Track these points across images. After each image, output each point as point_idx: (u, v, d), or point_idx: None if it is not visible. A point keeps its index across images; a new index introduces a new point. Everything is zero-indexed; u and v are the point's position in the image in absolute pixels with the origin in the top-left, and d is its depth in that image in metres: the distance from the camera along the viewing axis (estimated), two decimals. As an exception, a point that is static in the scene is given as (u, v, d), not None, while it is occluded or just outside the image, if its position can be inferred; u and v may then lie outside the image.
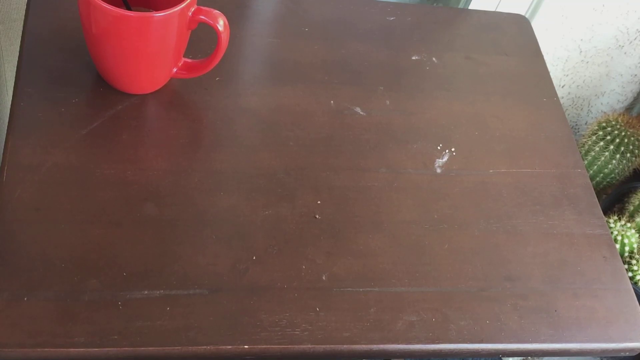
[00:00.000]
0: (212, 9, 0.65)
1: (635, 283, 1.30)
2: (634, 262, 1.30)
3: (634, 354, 0.66)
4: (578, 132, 1.60)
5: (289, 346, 0.58)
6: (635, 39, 1.39)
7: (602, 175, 1.41)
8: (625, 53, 1.42)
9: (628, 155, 1.38)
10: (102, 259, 0.59)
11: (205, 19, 0.65)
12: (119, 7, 0.62)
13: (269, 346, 0.57)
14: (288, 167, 0.68)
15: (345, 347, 0.59)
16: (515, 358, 1.27)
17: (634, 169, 1.41)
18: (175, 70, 0.69)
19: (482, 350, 0.62)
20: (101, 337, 0.55)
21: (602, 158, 1.39)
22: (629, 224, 1.33)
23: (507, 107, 0.80)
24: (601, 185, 1.43)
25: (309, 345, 0.58)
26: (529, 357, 1.18)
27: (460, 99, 0.79)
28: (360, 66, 0.79)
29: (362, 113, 0.75)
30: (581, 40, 1.36)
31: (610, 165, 1.39)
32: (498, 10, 1.20)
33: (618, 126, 1.38)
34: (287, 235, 0.64)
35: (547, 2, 1.25)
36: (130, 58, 0.65)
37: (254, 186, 0.66)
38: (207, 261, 0.61)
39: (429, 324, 0.61)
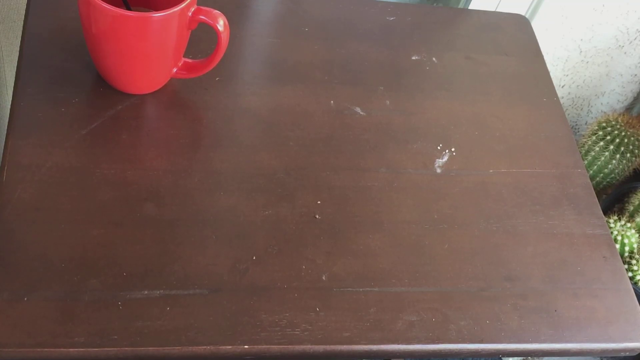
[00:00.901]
0: (212, 9, 0.65)
1: (635, 283, 1.30)
2: (634, 262, 1.30)
3: (634, 354, 0.66)
4: (578, 132, 1.60)
5: (289, 346, 0.58)
6: (635, 39, 1.39)
7: (602, 175, 1.41)
8: (625, 53, 1.42)
9: (628, 155, 1.38)
10: (102, 259, 0.59)
11: (205, 19, 0.65)
12: (119, 7, 0.62)
13: (269, 346, 0.57)
14: (288, 167, 0.68)
15: (345, 347, 0.59)
16: (515, 358, 1.27)
17: (634, 169, 1.41)
18: (175, 70, 0.69)
19: (482, 350, 0.62)
20: (101, 337, 0.55)
21: (602, 158, 1.39)
22: (629, 224, 1.33)
23: (507, 107, 0.80)
24: (601, 185, 1.43)
25: (309, 345, 0.58)
26: (529, 357, 1.18)
27: (460, 99, 0.79)
28: (360, 66, 0.79)
29: (362, 113, 0.75)
30: (581, 40, 1.36)
31: (610, 165, 1.39)
32: (498, 10, 1.20)
33: (618, 126, 1.38)
34: (287, 235, 0.64)
35: (547, 2, 1.25)
36: (130, 58, 0.65)
37: (254, 186, 0.66)
38: (207, 261, 0.61)
39: (429, 324, 0.61)
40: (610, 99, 1.52)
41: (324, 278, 0.62)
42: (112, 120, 0.67)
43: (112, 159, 0.65)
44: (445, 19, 0.87)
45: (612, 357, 1.33)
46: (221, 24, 0.65)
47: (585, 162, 1.40)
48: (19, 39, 0.78)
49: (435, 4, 1.26)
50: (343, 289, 0.62)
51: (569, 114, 1.55)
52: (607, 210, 1.43)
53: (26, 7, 0.73)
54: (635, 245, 1.32)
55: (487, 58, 0.84)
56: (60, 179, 0.62)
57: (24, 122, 0.65)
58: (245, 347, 0.57)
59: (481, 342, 0.61)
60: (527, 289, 0.65)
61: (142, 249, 0.60)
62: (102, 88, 0.69)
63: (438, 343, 0.61)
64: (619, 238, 1.31)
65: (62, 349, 0.54)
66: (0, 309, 0.55)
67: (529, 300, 0.65)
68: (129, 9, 0.67)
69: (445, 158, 0.73)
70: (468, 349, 0.61)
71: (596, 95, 1.52)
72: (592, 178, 1.41)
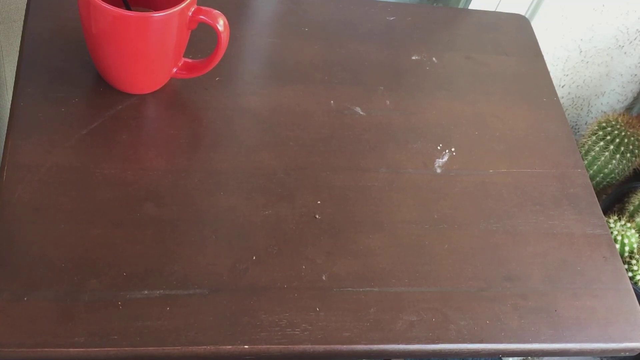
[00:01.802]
0: (212, 9, 0.65)
1: (635, 283, 1.30)
2: (634, 262, 1.30)
3: (634, 354, 0.66)
4: (578, 132, 1.60)
5: (289, 346, 0.58)
6: (635, 39, 1.39)
7: (602, 175, 1.41)
8: (625, 53, 1.42)
9: (628, 155, 1.38)
10: (102, 259, 0.59)
11: (205, 19, 0.65)
12: (119, 7, 0.62)
13: (269, 346, 0.57)
14: (288, 167, 0.68)
15: (345, 347, 0.59)
16: (515, 358, 1.27)
17: (634, 169, 1.41)
18: (175, 70, 0.69)
19: (482, 350, 0.62)
20: (101, 337, 0.55)
21: (602, 158, 1.39)
22: (629, 224, 1.33)
23: (507, 107, 0.80)
24: (601, 185, 1.43)
25: (309, 345, 0.58)
26: (529, 357, 1.18)
27: (460, 99, 0.79)
28: (360, 66, 0.79)
29: (362, 113, 0.75)
30: (581, 40, 1.36)
31: (610, 165, 1.39)
32: (498, 10, 1.20)
33: (618, 126, 1.38)
34: (287, 235, 0.64)
35: (547, 2, 1.25)
36: (130, 58, 0.65)
37: (254, 186, 0.66)
38: (207, 261, 0.61)
39: (429, 324, 0.61)
40: (610, 99, 1.52)
41: (324, 278, 0.62)
42: (112, 120, 0.67)
43: (112, 159, 0.65)
44: (445, 19, 0.87)
45: (612, 357, 1.33)
46: (221, 24, 0.65)
47: (585, 162, 1.40)
48: (19, 39, 0.78)
49: (435, 4, 1.25)
50: (343, 289, 0.62)
51: (569, 114, 1.55)
52: (607, 210, 1.43)
53: (26, 7, 0.73)
54: (635, 245, 1.32)
55: (487, 58, 0.84)
56: (60, 179, 0.62)
57: (24, 122, 0.65)
58: (245, 347, 0.57)
59: (481, 342, 0.61)
60: (527, 289, 0.65)
61: (142, 249, 0.60)
62: (102, 88, 0.69)
63: (438, 343, 0.61)
64: (619, 238, 1.31)
65: (62, 349, 0.54)
66: (0, 309, 0.55)
67: (529, 300, 0.65)
68: (129, 9, 0.67)
69: (445, 158, 0.73)
70: (468, 349, 0.61)
71: (596, 95, 1.52)
72: (592, 178, 1.41)
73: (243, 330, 0.58)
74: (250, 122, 0.71)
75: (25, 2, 0.74)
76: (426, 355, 0.61)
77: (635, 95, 1.52)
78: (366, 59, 0.80)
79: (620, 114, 1.42)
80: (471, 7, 1.19)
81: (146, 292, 0.58)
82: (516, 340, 0.62)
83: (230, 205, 0.65)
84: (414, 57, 0.82)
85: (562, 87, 1.47)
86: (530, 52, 0.86)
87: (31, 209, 0.60)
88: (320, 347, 0.58)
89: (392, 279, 0.63)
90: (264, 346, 0.57)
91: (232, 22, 0.72)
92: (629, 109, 1.56)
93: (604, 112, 1.54)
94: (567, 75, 1.44)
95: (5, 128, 0.65)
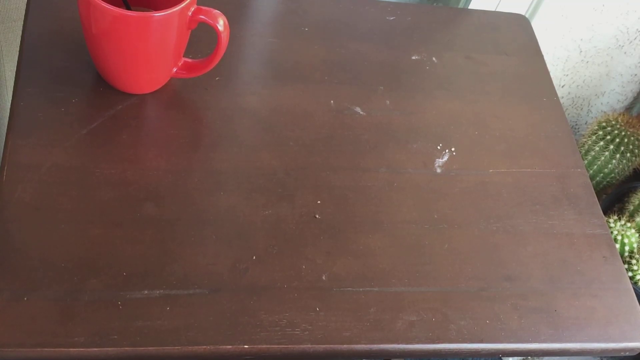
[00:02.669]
0: (212, 9, 0.65)
1: (635, 283, 1.30)
2: (634, 262, 1.30)
3: (634, 354, 0.66)
4: (578, 132, 1.60)
5: (289, 346, 0.58)
6: (635, 39, 1.39)
7: (602, 175, 1.41)
8: (625, 53, 1.42)
9: (628, 155, 1.38)
10: (102, 259, 0.59)
11: (205, 18, 0.65)
12: (119, 7, 0.62)
13: (269, 346, 0.57)
14: (288, 167, 0.68)
15: (345, 347, 0.59)
16: (515, 358, 1.27)
17: (634, 168, 1.41)
18: (175, 70, 0.69)
19: (482, 350, 0.62)
20: (101, 337, 0.55)
21: (602, 158, 1.39)
22: (629, 224, 1.33)
23: (507, 107, 0.80)
24: (601, 185, 1.43)
25: (309, 345, 0.58)
26: (529, 357, 1.18)
27: (460, 99, 0.79)
28: (360, 66, 0.79)
29: (362, 113, 0.75)
30: (581, 40, 1.36)
31: (610, 165, 1.39)
32: (498, 10, 1.20)
33: (618, 126, 1.38)
34: (287, 235, 0.64)
35: (547, 2, 1.25)
36: (130, 58, 0.65)
37: (254, 186, 0.66)
38: (207, 261, 0.61)
39: (429, 324, 0.61)
40: (610, 99, 1.52)
41: (324, 278, 0.62)
42: (112, 120, 0.67)
43: (112, 159, 0.65)
44: (445, 19, 0.87)
45: (612, 357, 1.33)
46: (221, 23, 0.65)
47: (585, 162, 1.40)
48: (19, 39, 0.78)
49: (435, 4, 1.26)
50: (343, 289, 0.62)
51: (569, 114, 1.55)
52: (607, 210, 1.43)
53: (26, 7, 0.73)
54: (635, 245, 1.32)
55: (487, 58, 0.84)
56: (60, 179, 0.62)
57: (24, 122, 0.65)
58: (245, 347, 0.57)
59: (481, 342, 0.61)
60: (527, 289, 0.65)
61: (142, 249, 0.60)
62: (102, 88, 0.69)
63: (438, 343, 0.61)
64: (619, 238, 1.31)
65: (62, 349, 0.54)
66: (0, 309, 0.55)
67: (529, 300, 0.65)
68: (129, 9, 0.67)
69: (445, 158, 0.73)
70: (468, 349, 0.61)
71: (596, 95, 1.52)
72: (592, 178, 1.41)
73: (243, 330, 0.58)
74: (250, 122, 0.71)
75: (25, 2, 0.74)
76: (426, 355, 0.61)
77: (635, 95, 1.52)
78: (366, 59, 0.80)
79: (620, 114, 1.42)
80: (471, 7, 1.19)
81: (146, 292, 0.58)
82: (516, 340, 0.62)
83: (230, 205, 0.65)
84: (414, 57, 0.82)
85: (562, 87, 1.47)
86: (530, 52, 0.86)
87: (31, 209, 0.60)
88: (320, 347, 0.58)
89: (392, 279, 0.63)
90: (264, 346, 0.57)
91: (232, 22, 0.72)
92: (629, 109, 1.56)
93: (604, 112, 1.54)
94: (567, 75, 1.44)
95: (5, 128, 0.65)
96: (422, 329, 0.61)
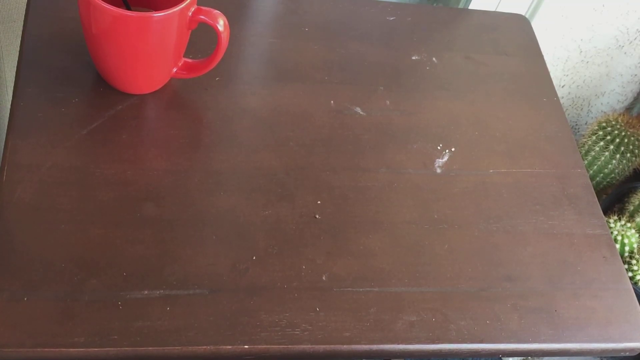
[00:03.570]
0: (212, 9, 0.65)
1: (635, 283, 1.30)
2: (634, 262, 1.30)
3: (634, 354, 0.66)
4: (578, 132, 1.60)
5: (289, 346, 0.58)
6: (635, 39, 1.39)
7: (602, 175, 1.41)
8: (625, 53, 1.42)
9: (628, 155, 1.38)
10: (102, 259, 0.59)
11: (205, 19, 0.65)
12: (119, 7, 0.62)
13: (269, 346, 0.57)
14: (288, 167, 0.68)
15: (345, 347, 0.59)
16: (515, 358, 1.27)
17: (634, 169, 1.41)
18: (175, 70, 0.69)
19: (482, 350, 0.62)
20: (101, 337, 0.55)
21: (602, 158, 1.39)
22: (629, 224, 1.33)
23: (507, 107, 0.80)
24: (601, 185, 1.43)
25: (309, 345, 0.58)
26: (529, 357, 1.18)
27: (460, 99, 0.79)
28: (360, 66, 0.79)
29: (362, 113, 0.75)
30: (581, 40, 1.36)
31: (610, 165, 1.39)
32: (498, 10, 1.20)
33: (618, 126, 1.38)
34: (287, 235, 0.64)
35: (547, 2, 1.25)
36: (130, 58, 0.65)
37: (254, 186, 0.66)
38: (207, 261, 0.61)
39: (429, 324, 0.61)
40: (610, 99, 1.52)
41: (324, 278, 0.62)
42: (112, 120, 0.67)
43: (112, 159, 0.65)
44: (445, 19, 0.87)
45: (612, 357, 1.33)
46: (221, 24, 0.65)
47: (585, 162, 1.40)
48: (19, 39, 0.78)
49: (435, 4, 1.26)
50: (343, 289, 0.62)
51: (569, 114, 1.55)
52: (607, 210, 1.43)
53: (26, 7, 0.73)
54: (635, 245, 1.32)
55: (487, 58, 0.84)
56: (60, 179, 0.62)
57: (24, 122, 0.65)
58: (245, 347, 0.57)
59: (481, 342, 0.61)
60: (527, 289, 0.65)
61: (142, 249, 0.60)
62: (102, 88, 0.69)
63: (438, 343, 0.61)
64: (619, 238, 1.31)
65: (62, 349, 0.54)
66: (0, 309, 0.55)
67: (529, 300, 0.65)
68: (129, 9, 0.67)
69: (445, 158, 0.73)
70: (468, 349, 0.61)
71: (596, 95, 1.52)
72: (592, 178, 1.41)
73: (243, 330, 0.58)
74: (250, 123, 0.71)
75: (25, 2, 0.74)
76: (426, 355, 0.61)
77: (635, 95, 1.52)
78: (366, 59, 0.80)
79: (620, 114, 1.42)
80: (471, 7, 1.19)
81: (146, 292, 0.58)
82: (516, 340, 0.62)
83: (230, 205, 0.65)
84: (414, 57, 0.82)
85: (562, 87, 1.47)
86: (530, 52, 0.86)
87: (31, 209, 0.60)
88: (320, 347, 0.58)
89: (392, 279, 0.63)
90: (264, 346, 0.57)
91: (232, 22, 0.72)
92: (629, 109, 1.56)
93: (604, 112, 1.54)
94: (567, 75, 1.44)
95: (5, 128, 0.65)
96: (422, 329, 0.61)
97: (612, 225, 1.33)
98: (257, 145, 0.70)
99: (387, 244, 0.65)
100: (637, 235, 1.33)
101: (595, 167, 1.40)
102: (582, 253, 0.69)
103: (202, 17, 0.65)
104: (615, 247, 0.70)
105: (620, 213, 1.40)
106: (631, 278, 1.30)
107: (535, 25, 1.26)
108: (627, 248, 1.32)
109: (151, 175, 0.65)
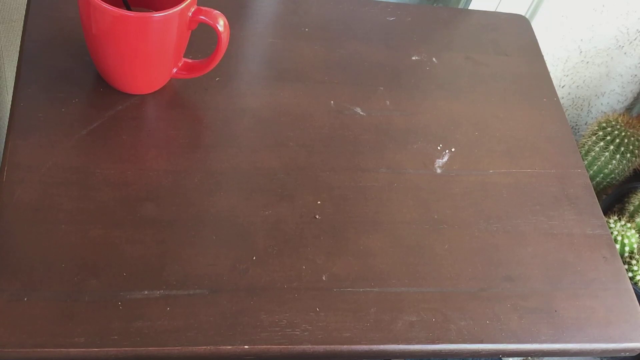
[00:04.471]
0: (212, 9, 0.65)
1: (635, 283, 1.30)
2: (634, 262, 1.30)
3: (634, 354, 0.66)
4: (578, 132, 1.60)
5: (289, 346, 0.58)
6: (635, 39, 1.39)
7: (602, 175, 1.41)
8: (625, 53, 1.42)
9: (628, 155, 1.38)
10: (102, 259, 0.59)
11: (205, 19, 0.65)
12: (119, 7, 0.62)
13: (269, 346, 0.57)
14: (288, 167, 0.68)
15: (345, 347, 0.59)
16: (515, 358, 1.27)
17: (634, 169, 1.42)
18: (175, 70, 0.69)
19: (482, 350, 0.62)
20: (101, 337, 0.55)
21: (602, 158, 1.39)
22: (629, 224, 1.33)
23: (507, 107, 0.80)
24: (601, 186, 1.43)
25: (309, 346, 0.58)
26: (529, 357, 1.18)
27: (460, 99, 0.79)
28: (360, 66, 0.79)
29: (362, 113, 0.75)
30: (581, 40, 1.36)
31: (610, 166, 1.39)
32: (498, 10, 1.20)
33: (618, 126, 1.38)
34: (287, 235, 0.64)
35: (547, 2, 1.25)
36: (130, 58, 0.65)
37: (254, 186, 0.66)
38: (207, 261, 0.61)
39: (429, 324, 0.61)
40: (610, 99, 1.52)
41: (324, 278, 0.62)
42: (112, 120, 0.68)
43: (112, 159, 0.65)
44: (445, 19, 0.87)
45: (612, 357, 1.33)
46: (221, 24, 0.65)
47: (585, 162, 1.40)
48: (19, 39, 0.78)
49: (435, 4, 1.26)
50: (343, 289, 0.62)
51: (569, 114, 1.55)
52: (607, 211, 1.43)
53: (26, 7, 0.73)
54: (635, 246, 1.32)
55: (487, 58, 0.84)
56: (60, 179, 0.62)
57: (24, 122, 0.65)
58: (245, 347, 0.57)
59: (481, 342, 0.61)
60: (527, 289, 0.65)
61: (142, 249, 0.60)
62: (102, 88, 0.69)
63: (438, 343, 0.61)
64: (619, 238, 1.31)
65: (62, 349, 0.54)
66: (0, 309, 0.55)
67: (529, 300, 0.65)
68: (129, 9, 0.67)
69: (445, 158, 0.73)
70: (468, 349, 0.61)
71: (596, 95, 1.52)
72: (592, 178, 1.41)
73: (243, 331, 0.58)
74: (250, 123, 0.71)
75: (25, 2, 0.74)
76: (426, 356, 0.61)
77: (635, 95, 1.53)
78: (366, 59, 0.80)
79: (620, 114, 1.42)
80: (471, 7, 1.19)
81: (146, 292, 0.58)
82: (516, 340, 0.62)
83: (230, 205, 0.65)
84: (414, 57, 0.82)
85: (562, 87, 1.47)
86: (530, 53, 0.86)
87: (31, 209, 0.60)
88: (320, 348, 0.58)
89: (392, 279, 0.63)
90: (264, 346, 0.57)
91: (232, 22, 0.72)
92: (629, 109, 1.56)
93: (604, 113, 1.54)
94: (567, 75, 1.44)
95: (5, 128, 0.65)
96: (422, 330, 0.61)
97: (612, 225, 1.33)
98: (257, 145, 0.70)
99: (387, 244, 0.65)
100: (637, 235, 1.33)
101: (595, 167, 1.40)
102: (582, 253, 0.69)
103: (202, 17, 0.65)
104: (615, 247, 0.70)
105: (620, 213, 1.40)
106: (631, 278, 1.30)
107: (535, 25, 1.26)
108: (627, 248, 1.32)
109: (151, 175, 0.65)
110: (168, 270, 0.59)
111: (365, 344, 0.59)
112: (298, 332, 0.58)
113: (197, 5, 0.65)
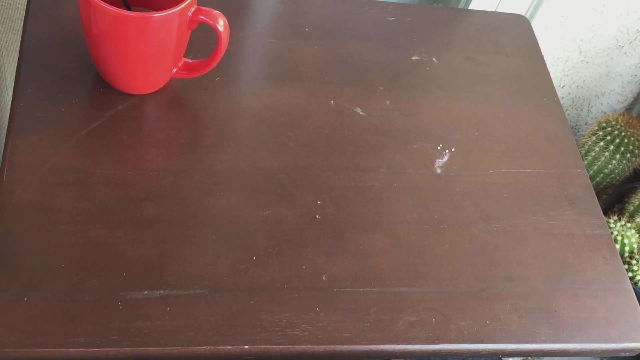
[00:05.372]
0: (212, 9, 0.65)
1: (635, 283, 1.30)
2: (634, 262, 1.30)
3: (634, 354, 0.66)
4: (578, 132, 1.60)
5: (289, 346, 0.58)
6: (635, 39, 1.39)
7: (602, 175, 1.41)
8: (625, 53, 1.42)
9: (628, 155, 1.38)
10: (102, 259, 0.59)
11: (205, 19, 0.65)
12: (119, 7, 0.62)
13: (269, 346, 0.57)
14: (288, 167, 0.68)
15: (346, 347, 0.59)
16: (515, 358, 1.27)
17: (634, 169, 1.42)
18: (175, 70, 0.69)
19: (482, 350, 0.62)
20: (101, 337, 0.55)
21: (602, 158, 1.39)
22: (629, 224, 1.33)
23: (507, 107, 0.80)
24: (601, 185, 1.43)
25: (309, 346, 0.58)
26: (529, 357, 1.18)
27: (460, 99, 0.79)
28: (360, 66, 0.79)
29: (362, 113, 0.75)
30: (581, 40, 1.36)
31: (610, 166, 1.39)
32: (498, 10, 1.20)
33: (618, 126, 1.38)
34: (287, 235, 0.64)
35: (547, 2, 1.25)
36: (130, 58, 0.65)
37: (254, 186, 0.66)
38: (207, 261, 0.61)
39: (429, 324, 0.61)
40: (610, 99, 1.52)
41: (324, 278, 0.62)
42: (112, 120, 0.68)
43: (112, 159, 0.65)
44: (445, 19, 0.87)
45: (612, 357, 1.33)
46: (221, 24, 0.65)
47: (585, 162, 1.40)
48: (19, 39, 0.78)
49: (435, 4, 1.26)
50: (343, 289, 0.62)
51: (569, 114, 1.55)
52: (607, 211, 1.43)
53: (26, 7, 0.73)
54: (635, 246, 1.32)
55: (487, 58, 0.84)
56: (60, 179, 0.62)
57: (24, 122, 0.65)
58: (245, 347, 0.57)
59: (481, 342, 0.61)
60: (527, 289, 0.65)
61: (142, 249, 0.60)
62: (102, 88, 0.69)
63: (438, 343, 0.61)
64: (619, 238, 1.31)
65: (62, 349, 0.54)
66: (0, 309, 0.55)
67: (529, 300, 0.65)
68: (129, 9, 0.67)
69: (445, 158, 0.73)
70: (468, 349, 0.61)
71: (596, 95, 1.52)
72: (592, 178, 1.41)
73: (243, 331, 0.58)
74: (250, 123, 0.71)
75: (25, 2, 0.74)
76: (426, 356, 0.61)
77: (635, 95, 1.53)
78: (366, 59, 0.80)
79: (620, 114, 1.42)
80: (471, 7, 1.19)
81: (146, 292, 0.58)
82: (516, 340, 0.62)
83: (230, 205, 0.65)
84: (414, 57, 0.82)
85: (562, 87, 1.47)
86: (530, 53, 0.86)
87: (31, 209, 0.60)
88: (320, 347, 0.58)
89: (392, 279, 0.63)
90: (264, 346, 0.57)
91: (232, 22, 0.72)
92: (629, 109, 1.56)
93: (604, 112, 1.54)
94: (567, 75, 1.44)
95: (5, 128, 0.65)
96: (422, 330, 0.61)
97: (612, 225, 1.33)
98: (257, 145, 0.70)
99: (387, 244, 0.65)
100: (637, 235, 1.33)
101: (595, 167, 1.40)
102: (582, 253, 0.69)
103: (202, 17, 0.65)
104: (615, 247, 0.70)
105: (620, 213, 1.40)
106: (631, 278, 1.30)
107: (535, 25, 1.26)
108: (627, 248, 1.32)
109: (151, 175, 0.65)
110: (168, 270, 0.59)
111: (365, 344, 0.59)
112: (298, 332, 0.58)
113: (197, 5, 0.65)
